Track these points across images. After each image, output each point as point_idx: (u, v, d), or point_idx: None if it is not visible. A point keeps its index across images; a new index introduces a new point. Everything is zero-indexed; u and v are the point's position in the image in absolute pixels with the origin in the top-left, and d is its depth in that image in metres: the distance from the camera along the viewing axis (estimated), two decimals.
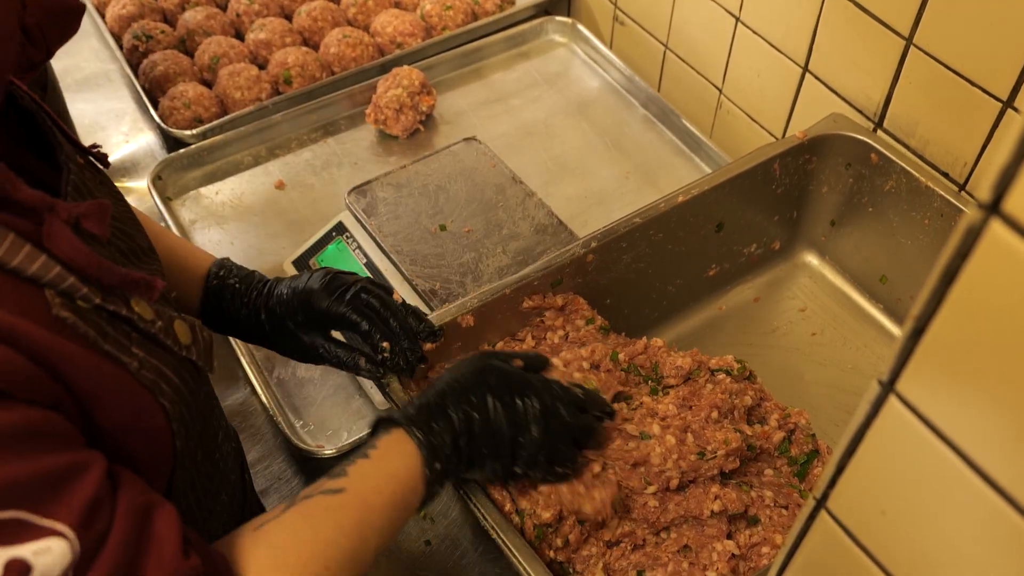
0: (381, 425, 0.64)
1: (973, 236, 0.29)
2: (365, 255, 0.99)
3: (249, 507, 0.74)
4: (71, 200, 0.52)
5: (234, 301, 0.75)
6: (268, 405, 0.93)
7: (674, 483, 0.73)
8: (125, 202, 0.63)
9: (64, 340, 0.45)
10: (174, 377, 0.52)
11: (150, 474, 0.52)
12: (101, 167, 0.61)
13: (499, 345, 0.85)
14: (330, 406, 0.94)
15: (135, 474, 0.48)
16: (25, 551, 0.39)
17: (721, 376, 0.80)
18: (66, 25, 0.51)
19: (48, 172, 0.55)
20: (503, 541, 0.67)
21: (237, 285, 0.75)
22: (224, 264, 0.77)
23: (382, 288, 0.75)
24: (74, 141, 0.59)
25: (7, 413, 0.40)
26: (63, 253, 0.45)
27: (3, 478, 0.39)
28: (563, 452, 0.68)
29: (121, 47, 1.29)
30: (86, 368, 0.46)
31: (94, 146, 0.60)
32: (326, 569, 0.54)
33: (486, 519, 0.68)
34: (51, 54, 0.53)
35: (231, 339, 0.98)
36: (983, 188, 0.28)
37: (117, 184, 1.22)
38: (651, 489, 0.73)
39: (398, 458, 0.61)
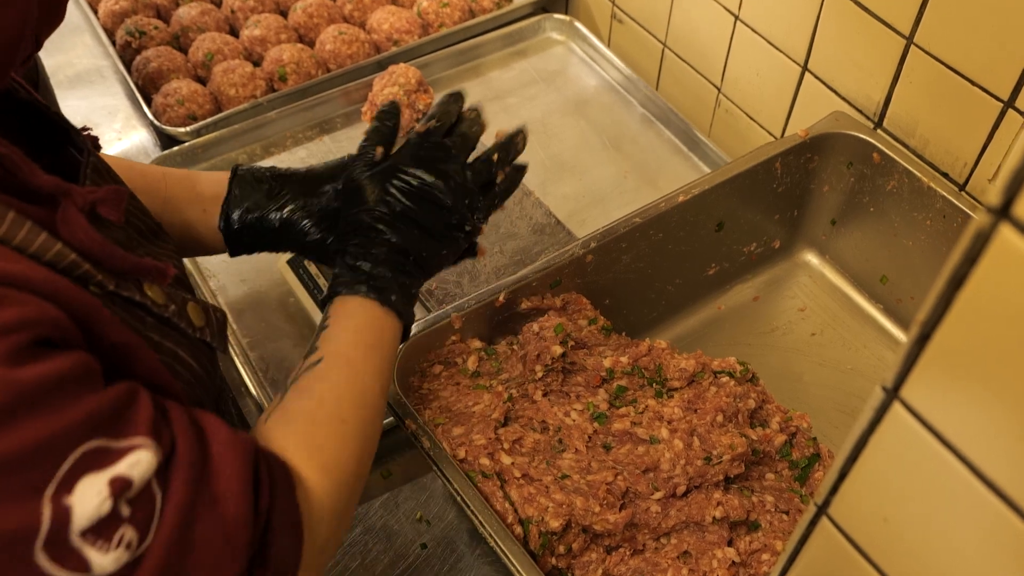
0: (324, 303, 0.66)
1: (982, 241, 0.28)
2: None
3: None
4: (91, 183, 0.53)
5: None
6: (262, 406, 0.92)
7: (681, 490, 0.72)
8: (126, 185, 0.63)
9: (97, 302, 0.47)
10: (190, 359, 0.53)
11: None
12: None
13: (501, 346, 0.84)
14: None
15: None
16: (121, 468, 0.43)
17: (724, 379, 0.80)
18: (55, 15, 0.51)
19: (56, 160, 0.55)
20: (501, 549, 0.66)
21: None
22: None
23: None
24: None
25: (63, 358, 0.43)
26: (75, 240, 0.46)
27: (78, 414, 0.42)
28: (474, 172, 0.70)
29: (114, 43, 1.28)
30: (110, 329, 0.47)
31: (84, 128, 0.60)
32: (343, 422, 0.58)
33: (483, 526, 0.67)
34: (40, 45, 0.52)
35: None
36: (992, 192, 0.27)
37: None
38: (658, 495, 0.72)
39: (354, 311, 0.63)
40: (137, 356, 0.49)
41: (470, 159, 0.72)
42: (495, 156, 0.73)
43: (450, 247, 0.69)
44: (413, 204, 0.67)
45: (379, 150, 0.69)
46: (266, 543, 0.49)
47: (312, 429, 0.57)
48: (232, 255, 0.74)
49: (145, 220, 0.59)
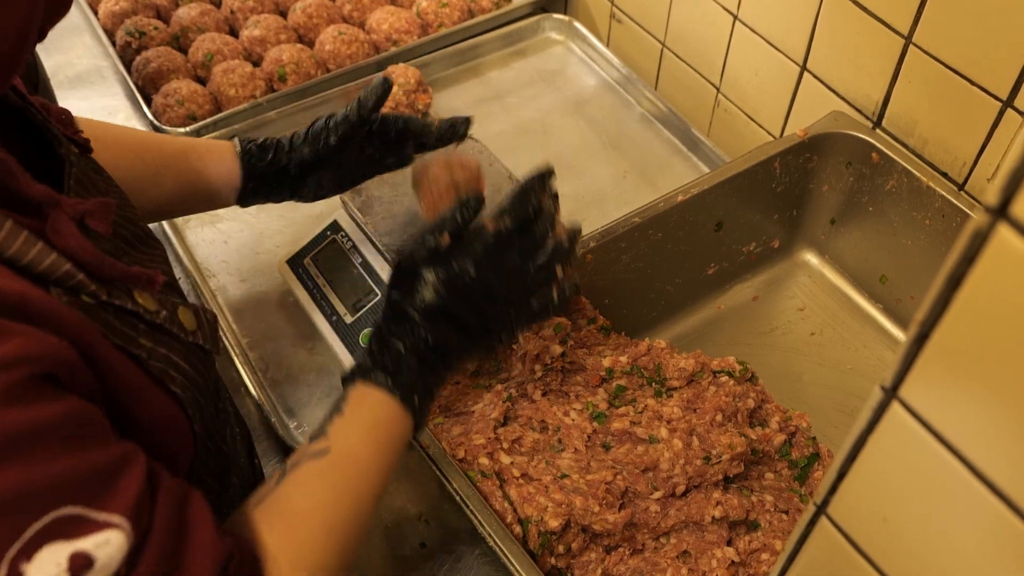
0: (346, 381, 0.64)
1: (980, 240, 0.28)
2: (360, 254, 0.99)
3: None
4: (74, 194, 0.53)
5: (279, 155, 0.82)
6: (262, 405, 0.92)
7: (680, 489, 0.72)
8: (117, 187, 0.63)
9: (90, 326, 0.46)
10: (183, 364, 0.53)
11: (173, 463, 0.53)
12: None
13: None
14: (325, 407, 0.94)
15: (161, 461, 0.49)
16: (87, 544, 0.40)
17: (724, 378, 0.80)
18: (61, 5, 0.51)
19: (43, 166, 0.55)
20: (501, 549, 0.66)
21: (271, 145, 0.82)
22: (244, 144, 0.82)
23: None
24: (58, 128, 0.59)
25: (58, 404, 0.41)
26: (68, 248, 0.46)
27: (59, 473, 0.40)
28: (531, 278, 0.66)
29: (114, 44, 1.28)
30: (108, 357, 0.47)
31: (76, 131, 0.60)
32: (328, 534, 0.55)
33: (483, 526, 0.68)
34: (44, 35, 0.52)
35: (225, 341, 0.97)
36: (990, 191, 0.27)
37: None
38: (657, 495, 0.72)
39: (374, 405, 0.62)
40: (133, 383, 0.48)
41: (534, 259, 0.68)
42: (559, 269, 0.69)
43: (483, 351, 0.67)
44: (458, 303, 0.64)
45: (445, 238, 0.65)
46: None
47: (301, 535, 0.54)
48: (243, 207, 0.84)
49: (130, 227, 0.58)
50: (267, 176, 0.82)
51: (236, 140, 0.82)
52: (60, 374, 0.42)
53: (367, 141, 0.83)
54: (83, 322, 0.45)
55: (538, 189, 0.68)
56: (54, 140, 0.56)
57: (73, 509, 0.40)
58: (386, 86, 0.79)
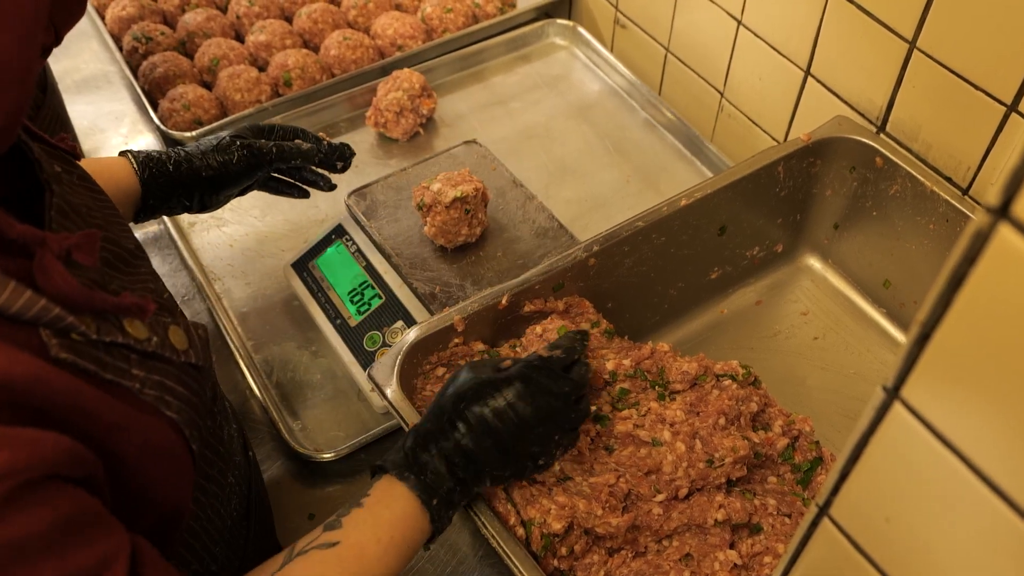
0: (375, 472, 0.65)
1: (981, 240, 0.28)
2: (364, 258, 0.99)
3: (255, 488, 0.74)
4: (57, 224, 0.52)
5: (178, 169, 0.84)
6: (266, 408, 0.92)
7: (683, 492, 0.72)
8: (103, 196, 0.62)
9: (80, 383, 0.45)
10: (177, 386, 0.53)
11: (179, 491, 0.53)
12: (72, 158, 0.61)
13: (504, 349, 0.84)
14: (329, 410, 0.94)
15: (152, 546, 0.49)
16: None
17: (727, 382, 0.80)
18: (75, 7, 0.51)
19: (25, 189, 0.54)
20: (504, 551, 0.67)
21: (167, 161, 0.84)
22: (139, 156, 0.83)
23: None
24: (43, 139, 0.58)
25: (46, 510, 0.41)
26: (56, 288, 0.45)
27: None
28: (572, 414, 0.70)
29: (121, 49, 1.29)
30: (100, 408, 0.46)
31: (61, 139, 0.59)
32: None
33: (486, 527, 0.68)
34: (60, 39, 0.52)
35: (231, 344, 0.97)
36: (992, 192, 0.27)
37: None
38: (660, 497, 0.72)
39: (394, 502, 0.62)
40: (128, 419, 0.48)
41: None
42: (593, 407, 0.76)
43: (516, 470, 0.68)
44: (501, 419, 0.66)
45: (507, 363, 0.71)
46: None
47: None
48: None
49: (114, 248, 0.57)
50: (172, 187, 0.83)
51: (128, 155, 0.82)
52: (60, 471, 0.42)
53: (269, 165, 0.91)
54: (71, 381, 0.45)
55: (580, 338, 0.76)
56: (35, 163, 0.55)
57: None
58: (339, 160, 0.93)
